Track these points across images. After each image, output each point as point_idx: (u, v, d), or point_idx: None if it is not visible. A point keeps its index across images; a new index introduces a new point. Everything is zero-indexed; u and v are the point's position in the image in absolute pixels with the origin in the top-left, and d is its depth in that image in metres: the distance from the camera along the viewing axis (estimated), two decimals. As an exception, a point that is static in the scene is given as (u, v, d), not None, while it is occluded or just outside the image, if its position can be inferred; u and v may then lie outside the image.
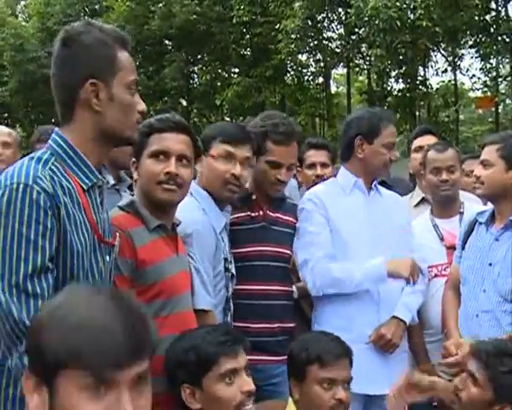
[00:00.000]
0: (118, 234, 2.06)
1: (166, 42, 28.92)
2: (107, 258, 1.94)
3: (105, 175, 1.96)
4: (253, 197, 3.00)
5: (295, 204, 3.18)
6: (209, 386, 2.08)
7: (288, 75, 27.97)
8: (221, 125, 3.01)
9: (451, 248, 3.24)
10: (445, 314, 3.10)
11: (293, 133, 2.96)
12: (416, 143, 4.08)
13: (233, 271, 2.80)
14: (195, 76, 29.89)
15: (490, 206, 3.09)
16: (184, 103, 30.49)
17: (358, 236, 3.02)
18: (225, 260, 2.71)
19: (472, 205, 3.39)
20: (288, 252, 3.06)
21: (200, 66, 29.11)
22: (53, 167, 1.79)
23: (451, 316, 3.03)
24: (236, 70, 28.39)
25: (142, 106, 1.92)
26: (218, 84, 28.36)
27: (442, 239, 3.32)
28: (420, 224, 3.37)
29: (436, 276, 3.27)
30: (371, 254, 3.00)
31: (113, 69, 1.83)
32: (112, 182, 2.53)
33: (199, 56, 28.82)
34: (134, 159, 2.36)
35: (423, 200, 3.77)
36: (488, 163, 2.94)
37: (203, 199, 2.68)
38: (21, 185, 1.70)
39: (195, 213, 2.56)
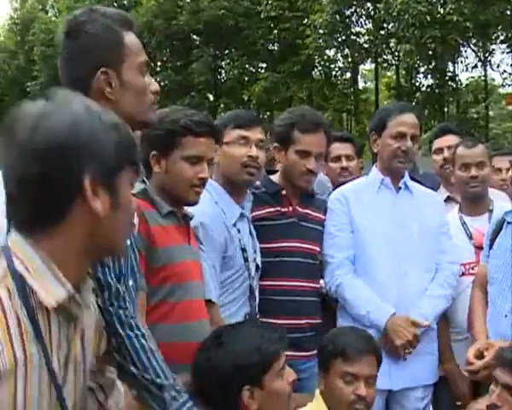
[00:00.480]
0: (135, 213, 2.09)
1: (194, 37, 29.03)
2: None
3: None
4: (283, 193, 3.01)
5: (325, 200, 3.20)
6: (270, 383, 2.10)
7: (316, 70, 27.87)
8: (230, 113, 3.04)
9: (480, 247, 3.17)
10: (472, 315, 3.05)
11: (320, 122, 2.98)
12: (436, 144, 3.99)
13: (258, 261, 2.81)
14: (223, 71, 29.94)
15: None
16: (211, 98, 30.59)
17: (380, 236, 3.03)
18: (243, 250, 2.71)
19: (501, 204, 3.33)
20: (317, 248, 3.06)
21: (227, 61, 29.18)
22: None
23: (478, 318, 2.98)
24: (264, 65, 28.38)
25: (154, 86, 1.88)
26: (246, 79, 28.39)
27: (471, 238, 3.27)
28: (448, 221, 3.32)
29: (463, 274, 3.22)
30: (392, 255, 3.02)
31: (122, 54, 1.78)
32: None
33: (226, 51, 28.86)
34: (155, 152, 2.31)
35: (449, 198, 3.72)
36: None
37: (216, 191, 2.73)
38: None
39: (204, 206, 2.57)
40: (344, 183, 3.46)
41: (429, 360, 3.09)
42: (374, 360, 2.46)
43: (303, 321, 2.95)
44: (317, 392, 2.50)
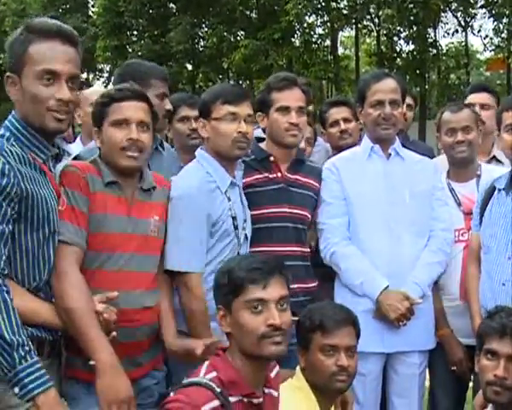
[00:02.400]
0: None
1: (171, 5, 28.52)
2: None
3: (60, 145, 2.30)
4: (271, 159, 3.04)
5: (317, 167, 3.22)
6: (236, 311, 2.08)
7: (296, 37, 27.54)
8: (218, 87, 3.12)
9: (469, 213, 3.15)
10: (469, 293, 3.02)
11: (295, 79, 3.07)
12: (469, 99, 3.90)
13: (247, 231, 2.84)
14: (201, 39, 29.47)
15: (505, 169, 3.00)
16: (190, 67, 30.16)
17: (371, 203, 3.06)
18: (233, 218, 2.75)
19: (487, 166, 3.32)
20: (307, 214, 3.08)
21: (206, 29, 28.68)
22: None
23: (476, 296, 2.94)
24: (243, 33, 27.97)
25: (60, 94, 2.09)
26: (225, 47, 27.97)
27: (459, 204, 3.22)
28: (444, 187, 3.25)
29: (454, 241, 3.16)
30: (384, 221, 3.04)
31: (23, 62, 2.09)
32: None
33: (204, 19, 28.38)
34: (96, 128, 2.44)
35: None
36: None
37: (208, 162, 2.78)
38: None
39: (187, 178, 2.68)
40: (345, 146, 3.56)
41: (425, 325, 3.10)
42: (352, 331, 2.50)
43: (294, 285, 2.91)
44: (298, 369, 2.53)
